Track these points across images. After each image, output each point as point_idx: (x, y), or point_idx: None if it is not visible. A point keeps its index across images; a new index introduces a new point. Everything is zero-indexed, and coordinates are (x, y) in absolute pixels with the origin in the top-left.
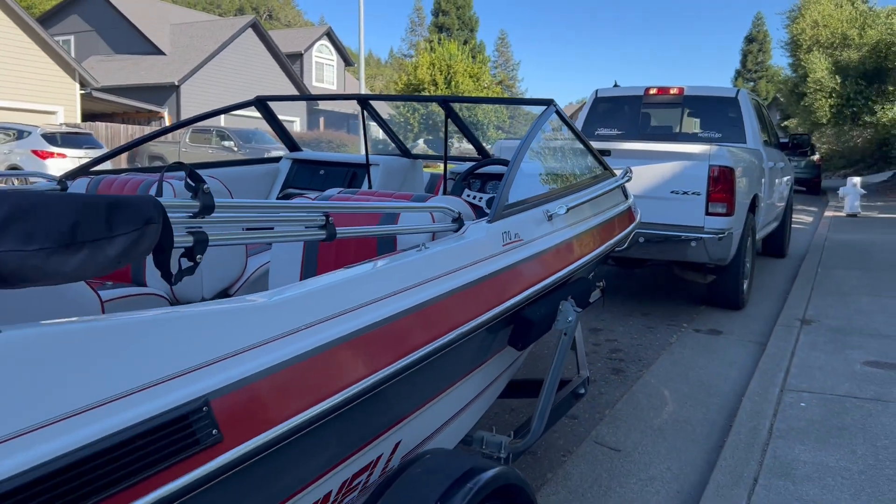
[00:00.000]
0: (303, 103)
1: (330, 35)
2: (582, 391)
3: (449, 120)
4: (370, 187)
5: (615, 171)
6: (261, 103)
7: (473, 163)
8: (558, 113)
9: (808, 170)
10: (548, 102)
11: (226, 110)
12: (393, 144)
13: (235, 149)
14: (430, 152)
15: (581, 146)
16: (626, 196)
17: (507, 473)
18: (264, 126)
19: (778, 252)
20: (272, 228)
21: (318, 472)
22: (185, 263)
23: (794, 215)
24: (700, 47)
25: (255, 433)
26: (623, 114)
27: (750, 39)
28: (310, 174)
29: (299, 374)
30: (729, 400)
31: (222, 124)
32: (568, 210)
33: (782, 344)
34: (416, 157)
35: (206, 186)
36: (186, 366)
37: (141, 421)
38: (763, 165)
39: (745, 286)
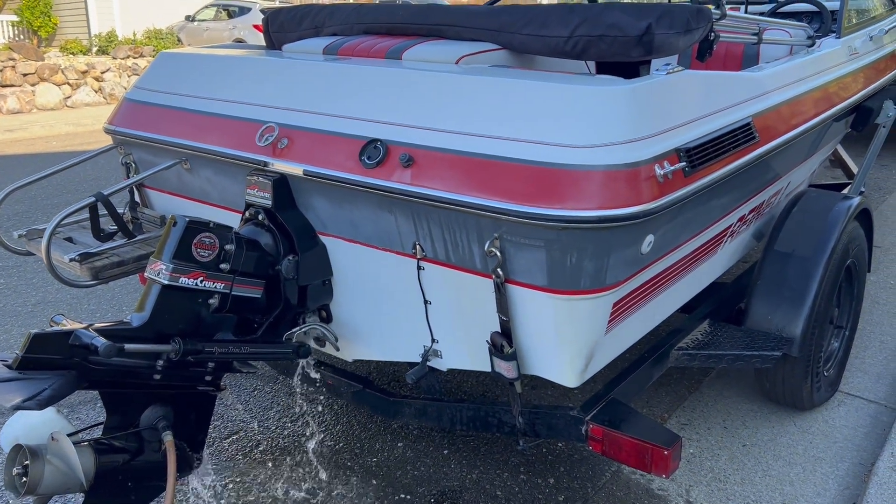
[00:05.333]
0: None
1: None
2: (863, 189)
3: None
4: None
5: None
6: None
7: (776, 2)
8: None
9: None
10: None
11: None
12: None
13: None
14: None
15: None
16: None
17: (865, 202)
18: None
19: None
20: None
21: (768, 183)
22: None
23: None
24: None
25: (765, 143)
26: None
27: None
28: None
29: (780, 114)
30: None
31: None
32: (886, 32)
33: None
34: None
35: (723, 2)
36: (737, 101)
37: (723, 126)
38: None
39: None
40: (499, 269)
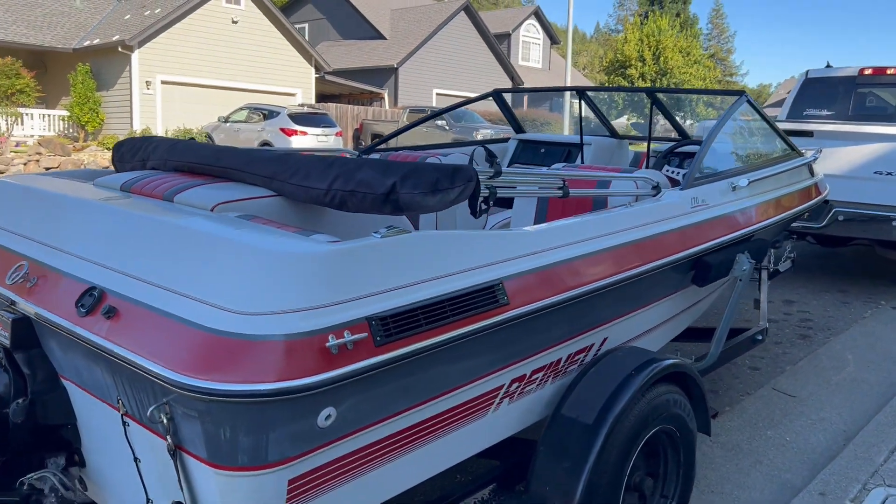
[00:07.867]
0: (506, 82)
1: (538, 14)
2: (759, 338)
3: (654, 106)
4: (583, 163)
5: (803, 152)
6: (498, 95)
7: (674, 142)
8: (749, 102)
9: None
10: (739, 93)
11: (467, 102)
12: (602, 125)
13: (447, 127)
14: (634, 132)
15: (769, 129)
16: (812, 174)
17: (680, 364)
18: (473, 106)
19: None
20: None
21: (556, 341)
22: (484, 206)
23: None
24: None
25: (526, 304)
26: (835, 94)
27: None
28: (532, 152)
29: (550, 275)
30: None
31: (434, 104)
32: (750, 183)
33: None
34: (623, 137)
35: (497, 160)
36: (481, 263)
37: (451, 291)
38: None
39: None
40: (169, 437)
